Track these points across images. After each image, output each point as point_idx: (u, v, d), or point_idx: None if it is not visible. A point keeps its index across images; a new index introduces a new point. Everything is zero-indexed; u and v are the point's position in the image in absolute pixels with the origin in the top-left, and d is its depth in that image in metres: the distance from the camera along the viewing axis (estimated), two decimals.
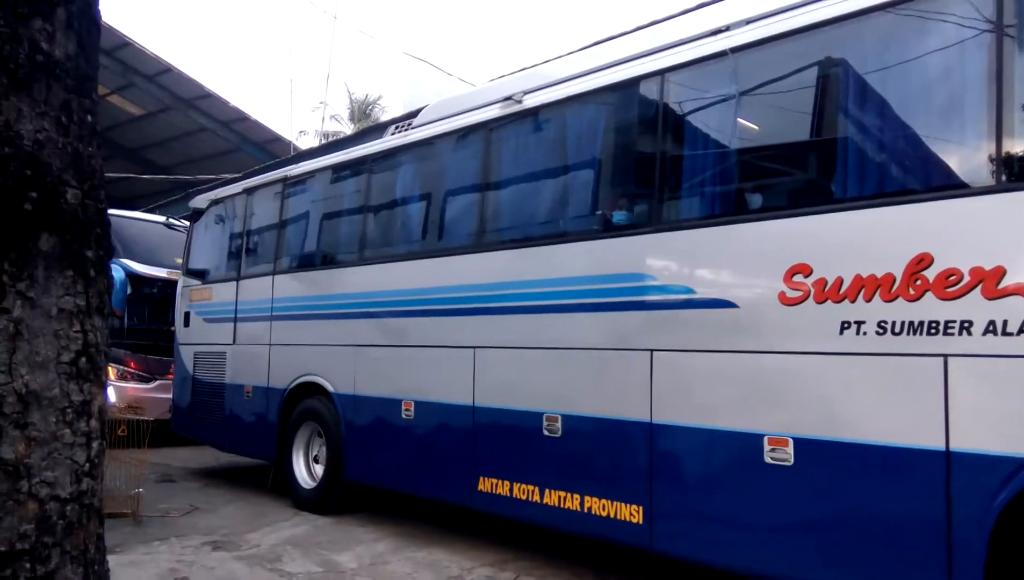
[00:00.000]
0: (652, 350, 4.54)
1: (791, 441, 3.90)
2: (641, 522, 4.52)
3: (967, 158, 3.61)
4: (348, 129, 25.86)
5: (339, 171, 7.32)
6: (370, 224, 6.91)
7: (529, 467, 5.19)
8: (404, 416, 6.10)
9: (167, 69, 16.39)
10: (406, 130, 6.68)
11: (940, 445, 3.42)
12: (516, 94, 5.64)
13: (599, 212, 5.22)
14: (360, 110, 28.10)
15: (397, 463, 6.24)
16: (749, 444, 4.04)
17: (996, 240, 3.34)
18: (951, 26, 3.65)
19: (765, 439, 3.99)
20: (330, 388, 6.82)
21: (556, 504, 4.96)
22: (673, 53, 4.75)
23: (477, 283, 5.69)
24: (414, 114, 6.81)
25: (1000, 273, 3.29)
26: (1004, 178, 3.41)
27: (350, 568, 5.29)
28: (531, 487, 5.14)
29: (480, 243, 5.79)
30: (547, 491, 5.04)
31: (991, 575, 3.27)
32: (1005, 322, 3.26)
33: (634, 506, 4.57)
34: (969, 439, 3.35)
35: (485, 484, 5.45)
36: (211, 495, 7.72)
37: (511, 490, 5.26)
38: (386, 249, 6.69)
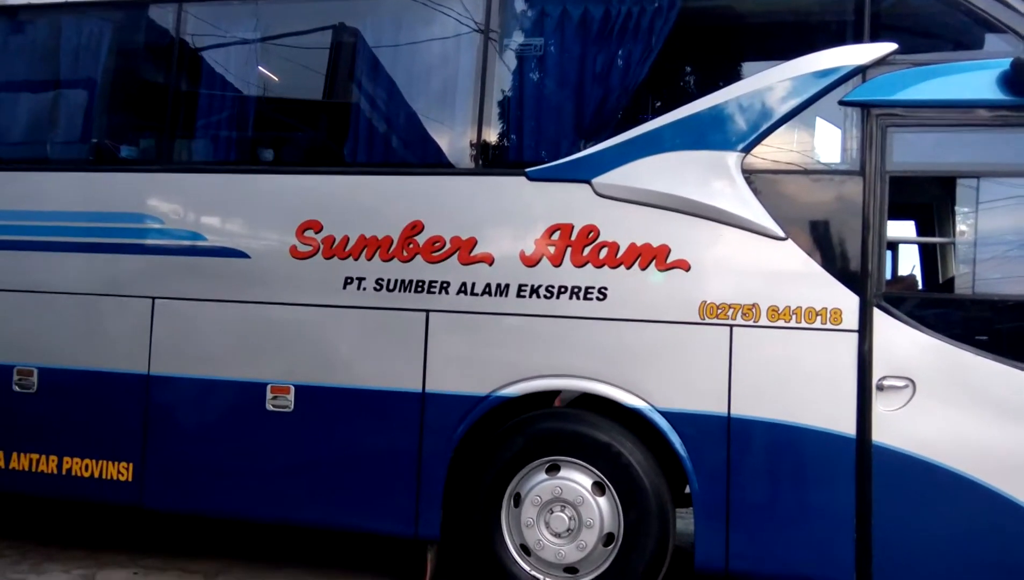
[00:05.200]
0: (155, 298, 4.28)
1: (293, 388, 4.09)
2: (131, 480, 4.27)
3: (455, 142, 4.19)
4: None
5: None
6: None
7: None
8: None
9: None
10: None
11: (418, 387, 3.97)
12: None
13: (95, 141, 4.70)
14: None
15: None
16: (252, 393, 4.12)
17: (472, 215, 3.98)
18: (451, 23, 4.18)
19: (268, 387, 4.11)
20: None
21: (27, 468, 4.37)
22: None
23: None
24: None
25: (473, 243, 3.93)
26: (481, 164, 4.08)
27: None
28: None
29: None
30: (15, 454, 4.40)
31: (448, 494, 3.93)
32: (473, 284, 3.92)
33: (123, 463, 4.29)
34: (440, 382, 3.95)
35: None
36: None
37: None
38: None
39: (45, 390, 4.40)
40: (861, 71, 3.57)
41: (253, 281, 4.17)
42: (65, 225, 4.44)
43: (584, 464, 3.77)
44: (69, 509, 5.10)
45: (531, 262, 3.85)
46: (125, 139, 4.71)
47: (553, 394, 3.99)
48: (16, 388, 4.43)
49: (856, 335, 3.50)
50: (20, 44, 4.86)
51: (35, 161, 4.76)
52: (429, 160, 4.27)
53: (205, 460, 4.21)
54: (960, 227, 3.64)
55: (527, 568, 3.82)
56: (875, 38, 3.61)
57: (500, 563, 3.85)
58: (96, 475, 4.30)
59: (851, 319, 3.51)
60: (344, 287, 4.05)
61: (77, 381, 4.36)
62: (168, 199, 4.36)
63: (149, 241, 4.33)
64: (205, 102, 4.56)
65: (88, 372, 4.35)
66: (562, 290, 3.81)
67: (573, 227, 3.81)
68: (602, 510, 3.73)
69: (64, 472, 4.34)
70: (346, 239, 4.05)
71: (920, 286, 4.24)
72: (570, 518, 3.75)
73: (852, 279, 3.52)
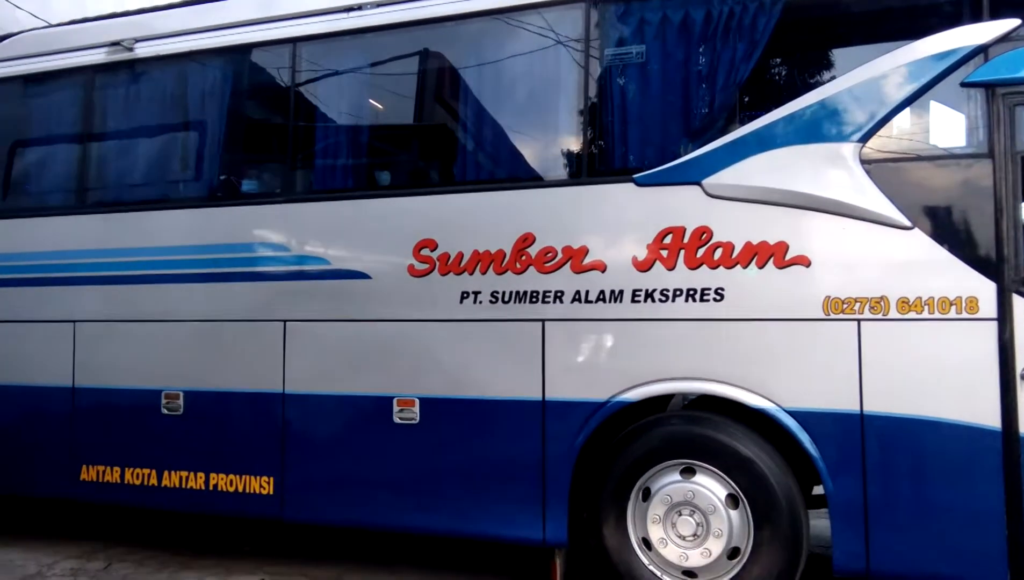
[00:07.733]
0: (286, 321, 4.54)
1: (418, 401, 4.25)
2: (272, 493, 4.52)
3: (562, 154, 4.28)
4: None
5: None
6: None
7: (144, 449, 4.82)
8: None
9: None
10: None
11: (538, 395, 4.04)
12: (126, 40, 5.09)
13: (224, 177, 5.02)
14: None
15: None
16: (380, 407, 4.30)
17: (582, 224, 4.03)
18: (551, 39, 4.26)
19: (395, 401, 4.28)
20: None
21: (177, 485, 4.70)
22: (307, 23, 4.72)
23: (77, 249, 5.07)
24: None
25: (584, 251, 3.99)
26: (588, 173, 4.13)
27: None
28: (147, 471, 4.78)
29: (83, 204, 5.17)
30: (166, 473, 4.74)
31: (573, 500, 3.98)
32: (587, 292, 3.97)
33: (264, 478, 4.55)
34: (559, 389, 4.02)
35: (90, 472, 4.91)
36: None
37: (123, 476, 4.83)
38: None
39: (190, 412, 4.72)
40: (983, 50, 3.44)
41: (375, 300, 4.36)
42: (201, 258, 4.76)
43: (720, 473, 3.73)
44: (189, 521, 5.43)
45: (644, 267, 3.88)
46: (245, 175, 5.01)
47: (669, 398, 3.98)
48: (164, 411, 4.77)
49: (995, 324, 3.36)
50: (141, 92, 5.19)
51: (162, 201, 5.09)
52: (537, 173, 4.36)
53: (339, 472, 4.41)
54: None
55: (646, 562, 3.83)
56: (995, 15, 3.48)
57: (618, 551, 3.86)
58: (240, 490, 4.58)
59: (988, 307, 3.37)
60: (461, 301, 4.18)
61: (219, 402, 4.67)
62: (293, 228, 4.61)
63: (278, 268, 4.59)
64: (321, 134, 4.80)
65: (229, 393, 4.65)
66: (677, 293, 3.81)
67: (685, 229, 3.81)
68: (733, 523, 3.69)
69: (211, 488, 4.63)
70: (460, 255, 4.19)
71: None
72: (698, 524, 3.73)
73: (987, 266, 3.38)
